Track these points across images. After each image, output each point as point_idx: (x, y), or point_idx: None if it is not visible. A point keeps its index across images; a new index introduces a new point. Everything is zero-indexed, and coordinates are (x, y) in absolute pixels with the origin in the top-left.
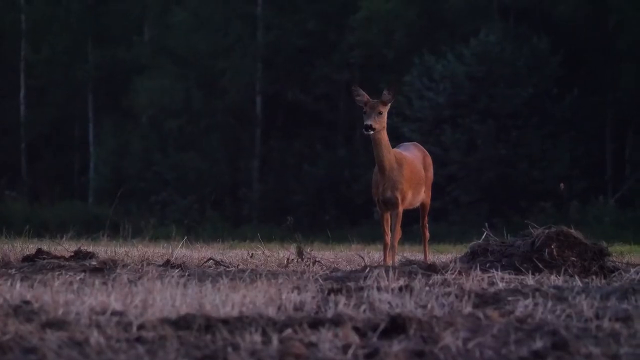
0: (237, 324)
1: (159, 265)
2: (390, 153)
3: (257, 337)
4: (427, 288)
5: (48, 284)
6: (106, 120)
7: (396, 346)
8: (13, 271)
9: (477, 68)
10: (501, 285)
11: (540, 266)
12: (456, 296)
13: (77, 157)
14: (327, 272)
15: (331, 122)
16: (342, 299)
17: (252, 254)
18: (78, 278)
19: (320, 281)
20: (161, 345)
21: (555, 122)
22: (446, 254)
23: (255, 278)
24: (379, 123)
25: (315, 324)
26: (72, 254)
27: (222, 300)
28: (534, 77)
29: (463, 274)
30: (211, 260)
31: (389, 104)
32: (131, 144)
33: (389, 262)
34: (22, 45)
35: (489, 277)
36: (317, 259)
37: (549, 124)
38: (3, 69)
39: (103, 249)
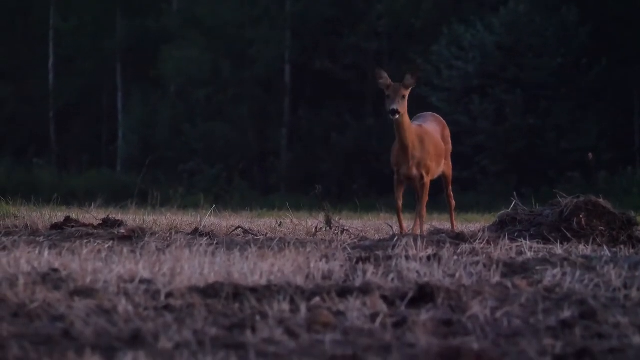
0: (266, 292)
1: (188, 234)
2: (412, 134)
3: (285, 306)
4: (456, 257)
5: (76, 251)
6: (134, 90)
7: (424, 315)
8: (41, 239)
9: (506, 38)
10: (529, 254)
11: (569, 235)
12: (484, 265)
13: (105, 126)
14: (356, 240)
15: (359, 91)
16: (370, 268)
17: (280, 222)
18: (106, 246)
19: (349, 250)
20: (189, 314)
21: (584, 93)
22: (474, 223)
23: (283, 247)
24: (403, 107)
25: (344, 292)
26: (101, 222)
27: (251, 269)
28: (563, 47)
29: (491, 243)
30: (239, 229)
31: (410, 88)
32: (159, 113)
33: (405, 229)
34: (51, 14)
35: (517, 246)
36: (345, 228)
37: (577, 95)
38: (32, 38)
39: (131, 217)
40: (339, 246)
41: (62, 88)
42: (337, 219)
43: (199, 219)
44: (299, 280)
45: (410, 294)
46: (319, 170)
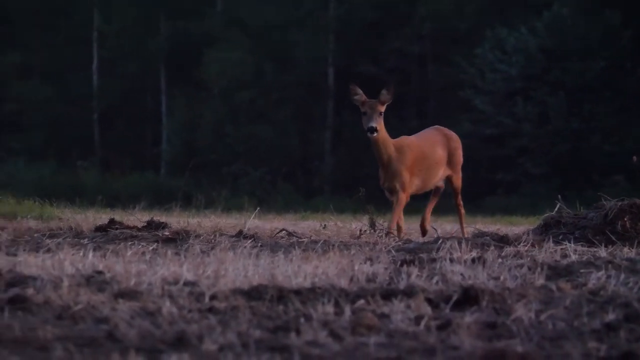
0: (310, 294)
1: (232, 236)
2: (388, 148)
3: (330, 308)
4: (500, 260)
5: (120, 254)
6: (178, 92)
7: (468, 318)
8: (85, 241)
9: (549, 41)
10: (574, 257)
11: (613, 238)
12: (529, 268)
13: (149, 129)
14: (400, 243)
15: (403, 94)
16: (414, 270)
17: (324, 225)
18: (150, 248)
19: (393, 252)
20: (233, 316)
21: (628, 96)
22: (518, 226)
23: (327, 249)
24: (380, 124)
25: (388, 295)
26: (145, 224)
27: (295, 271)
28: (606, 50)
29: (536, 245)
30: (283, 231)
31: (386, 104)
32: (203, 115)
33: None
34: (95, 17)
35: (561, 249)
36: (389, 231)
37: (621, 98)
38: (76, 40)
39: (175, 220)
40: (383, 249)
41: (105, 90)
42: (381, 222)
43: (243, 222)
44: (343, 283)
45: (455, 297)
46: (363, 172)
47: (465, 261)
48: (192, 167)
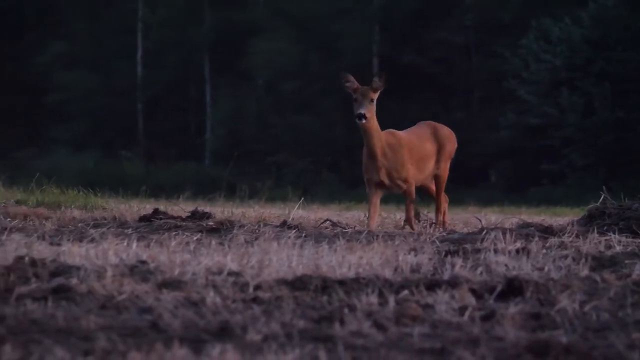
0: (354, 285)
1: (276, 226)
2: (381, 140)
3: (374, 299)
4: (544, 251)
5: (164, 244)
6: (222, 82)
7: (512, 308)
8: (130, 231)
9: (594, 31)
10: (618, 248)
11: None
12: (573, 259)
13: (193, 119)
14: (444, 234)
15: (447, 85)
16: (458, 261)
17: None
18: (194, 238)
19: (437, 243)
20: (277, 306)
21: None
22: (563, 217)
23: (371, 239)
24: (371, 111)
25: (432, 285)
26: (189, 214)
27: (339, 262)
28: None
29: (580, 236)
30: (328, 222)
31: (379, 91)
32: (247, 105)
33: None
34: (139, 7)
35: (606, 240)
36: (433, 221)
37: None
38: (120, 30)
39: (219, 210)
40: (428, 239)
41: (150, 80)
42: (425, 212)
43: (287, 212)
44: (387, 273)
45: (499, 288)
46: None
47: (509, 252)
48: (236, 157)
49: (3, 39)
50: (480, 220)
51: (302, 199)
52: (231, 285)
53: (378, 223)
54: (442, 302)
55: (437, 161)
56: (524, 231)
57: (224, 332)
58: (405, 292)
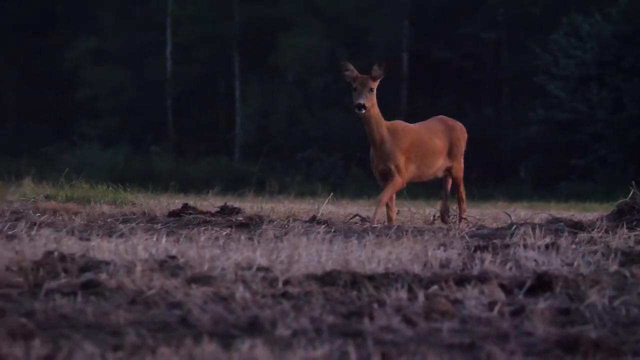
0: (383, 280)
1: (305, 222)
2: (381, 127)
3: (403, 294)
4: (573, 246)
5: (194, 239)
6: (252, 78)
7: (542, 303)
8: (159, 226)
9: (624, 27)
10: None
11: None
12: (602, 254)
13: (222, 114)
14: (473, 229)
15: (477, 80)
16: (487, 256)
17: (398, 210)
18: (224, 233)
19: (466, 238)
20: (307, 301)
21: None
22: (592, 212)
23: (401, 235)
24: (370, 100)
25: (461, 280)
26: (218, 209)
27: (368, 257)
28: None
29: (609, 232)
30: (357, 217)
31: (379, 80)
32: (277, 101)
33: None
34: (169, 2)
35: (635, 235)
36: (462, 216)
37: None
38: (150, 25)
39: (249, 205)
40: (457, 234)
41: (179, 76)
42: (454, 207)
43: (316, 207)
44: (417, 269)
45: (528, 283)
46: None
47: (538, 247)
48: (265, 152)
49: (33, 35)
50: (509, 216)
51: (332, 194)
52: (260, 280)
53: (407, 218)
54: (472, 298)
55: (449, 156)
56: (554, 226)
57: (253, 327)
58: (435, 287)
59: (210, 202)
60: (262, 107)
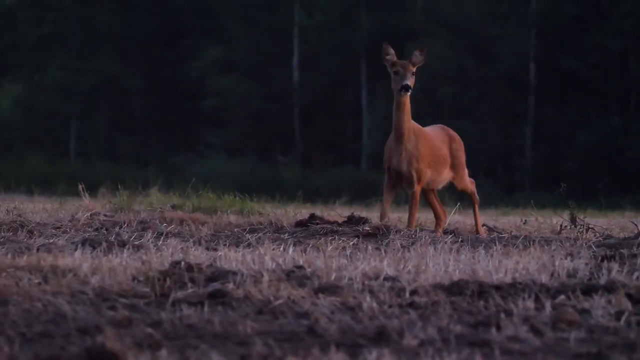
0: (510, 290)
1: (432, 231)
2: (410, 121)
3: (530, 304)
4: None
5: (321, 248)
6: (379, 87)
7: None
8: (286, 236)
9: None
10: None
11: None
12: None
13: (349, 123)
14: (600, 239)
15: (604, 90)
16: (615, 266)
17: (525, 220)
18: (351, 243)
19: (594, 248)
20: (434, 311)
21: None
22: None
23: (528, 244)
24: (412, 84)
25: (588, 290)
26: (345, 219)
27: (495, 267)
28: None
29: None
30: (484, 227)
31: (417, 66)
32: None
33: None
34: (296, 11)
35: None
36: (590, 226)
37: None
38: (277, 35)
39: (376, 215)
40: (584, 244)
41: (306, 85)
42: (581, 217)
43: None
44: (544, 278)
45: None
46: (564, 168)
47: None
48: None
49: (160, 44)
50: (637, 225)
51: (459, 204)
52: (387, 290)
53: (535, 228)
54: (599, 307)
55: (452, 168)
56: None
57: (380, 337)
58: (562, 297)
59: (337, 212)
60: (389, 116)
